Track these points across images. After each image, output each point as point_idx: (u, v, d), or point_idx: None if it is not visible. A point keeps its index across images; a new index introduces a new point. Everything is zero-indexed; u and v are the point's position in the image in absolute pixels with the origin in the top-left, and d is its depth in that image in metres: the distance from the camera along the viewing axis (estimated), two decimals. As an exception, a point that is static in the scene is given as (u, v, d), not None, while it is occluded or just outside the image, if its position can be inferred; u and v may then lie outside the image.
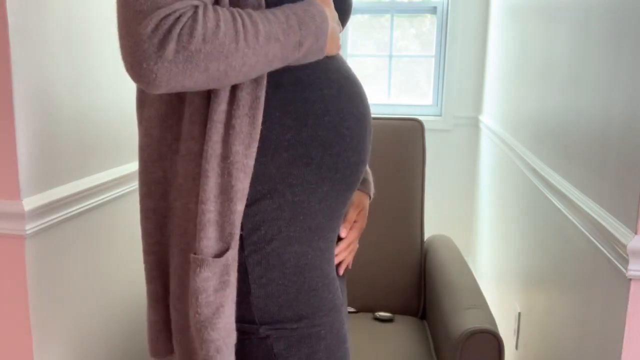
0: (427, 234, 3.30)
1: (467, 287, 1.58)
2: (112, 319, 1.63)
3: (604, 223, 1.17)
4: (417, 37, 3.43)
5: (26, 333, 1.27)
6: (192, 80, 0.75)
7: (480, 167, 3.16)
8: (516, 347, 2.01)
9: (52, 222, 1.30)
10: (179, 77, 0.74)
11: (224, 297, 0.83)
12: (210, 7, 0.76)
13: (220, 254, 0.83)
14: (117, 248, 1.63)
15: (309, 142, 0.87)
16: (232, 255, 0.83)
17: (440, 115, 3.38)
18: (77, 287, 1.44)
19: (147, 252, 0.94)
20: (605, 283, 1.18)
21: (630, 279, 1.06)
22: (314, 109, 0.87)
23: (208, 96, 0.84)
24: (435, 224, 3.41)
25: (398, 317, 1.81)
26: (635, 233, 1.04)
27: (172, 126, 0.88)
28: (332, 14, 0.88)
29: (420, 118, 2.77)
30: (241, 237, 0.85)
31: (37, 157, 1.26)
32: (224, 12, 0.76)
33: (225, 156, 0.82)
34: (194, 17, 0.73)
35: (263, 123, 0.85)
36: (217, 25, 0.74)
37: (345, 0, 0.98)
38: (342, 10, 0.97)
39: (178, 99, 0.87)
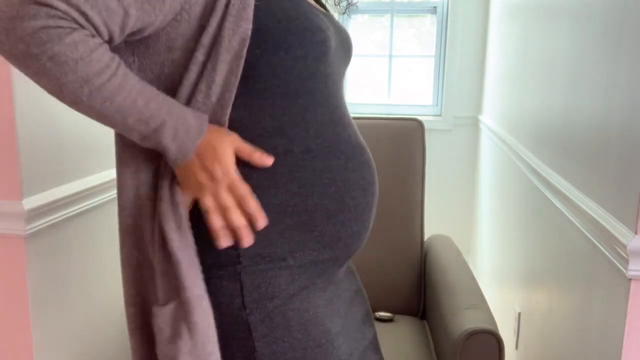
0: (427, 234, 3.29)
1: (467, 287, 1.58)
2: (112, 319, 1.63)
3: (604, 223, 1.17)
4: (417, 37, 3.43)
5: (26, 333, 1.27)
6: (22, 70, 0.74)
7: (480, 167, 3.16)
8: (516, 347, 2.01)
9: (52, 222, 1.30)
10: (11, 57, 0.72)
11: (176, 349, 0.81)
12: (89, 39, 0.73)
13: (164, 303, 0.83)
14: (117, 248, 1.63)
15: (314, 211, 0.86)
16: (183, 306, 0.82)
17: (440, 115, 3.38)
18: (77, 287, 1.44)
19: (127, 303, 0.93)
20: (605, 283, 1.18)
21: (630, 279, 1.06)
22: (321, 179, 0.87)
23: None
24: (435, 224, 3.41)
25: (398, 317, 1.81)
26: (635, 233, 1.04)
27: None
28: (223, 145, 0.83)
29: (420, 118, 2.76)
30: (242, 295, 0.84)
31: (37, 157, 1.26)
32: (100, 55, 0.74)
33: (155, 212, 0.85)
34: (69, 31, 0.71)
35: (268, 188, 0.84)
36: (75, 61, 0.72)
37: (347, 40, 0.98)
38: (345, 49, 0.97)
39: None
